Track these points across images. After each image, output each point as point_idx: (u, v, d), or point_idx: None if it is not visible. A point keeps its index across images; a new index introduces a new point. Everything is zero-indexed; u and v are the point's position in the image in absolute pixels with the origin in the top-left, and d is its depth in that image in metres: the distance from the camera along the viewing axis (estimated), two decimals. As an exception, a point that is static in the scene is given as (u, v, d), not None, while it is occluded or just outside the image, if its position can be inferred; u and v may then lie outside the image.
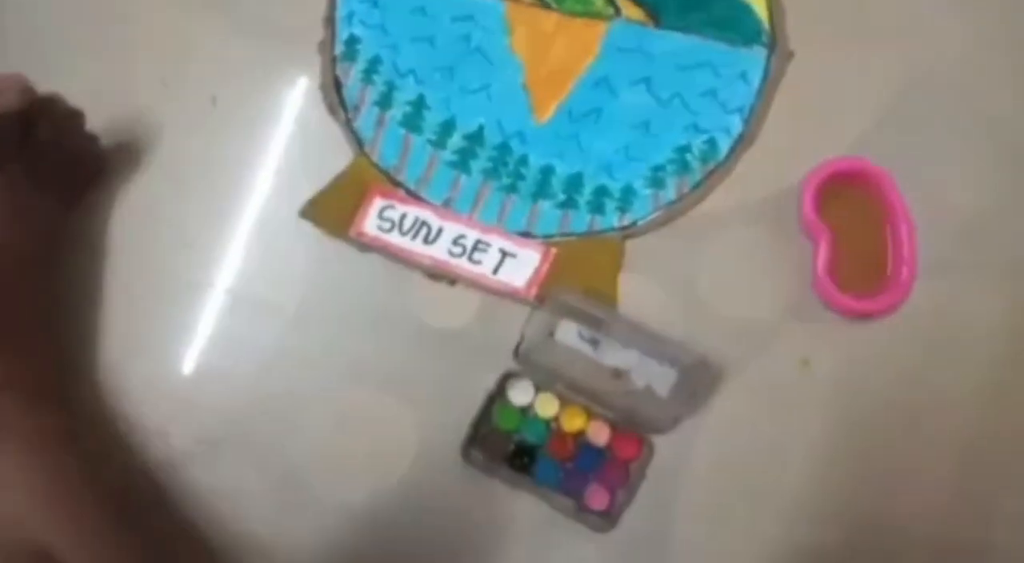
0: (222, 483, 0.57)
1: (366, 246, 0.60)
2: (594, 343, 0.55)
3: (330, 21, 0.63)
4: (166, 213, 0.63)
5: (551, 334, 0.55)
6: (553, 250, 0.59)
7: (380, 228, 0.60)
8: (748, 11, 0.61)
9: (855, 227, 0.58)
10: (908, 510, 0.55)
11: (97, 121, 0.62)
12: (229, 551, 0.56)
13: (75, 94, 0.60)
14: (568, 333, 0.55)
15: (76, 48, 0.66)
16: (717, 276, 0.59)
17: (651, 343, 0.54)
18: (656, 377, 0.54)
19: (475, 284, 0.59)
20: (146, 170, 0.64)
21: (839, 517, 0.55)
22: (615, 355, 0.54)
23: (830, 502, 0.55)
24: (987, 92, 0.60)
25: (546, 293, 0.57)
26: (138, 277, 0.62)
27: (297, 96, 0.63)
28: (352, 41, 0.63)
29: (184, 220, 0.62)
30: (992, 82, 0.60)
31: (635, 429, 0.55)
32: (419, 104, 0.62)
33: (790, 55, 0.61)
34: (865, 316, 0.57)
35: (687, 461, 0.56)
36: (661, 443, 0.56)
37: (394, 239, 0.60)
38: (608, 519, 0.53)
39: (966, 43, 0.61)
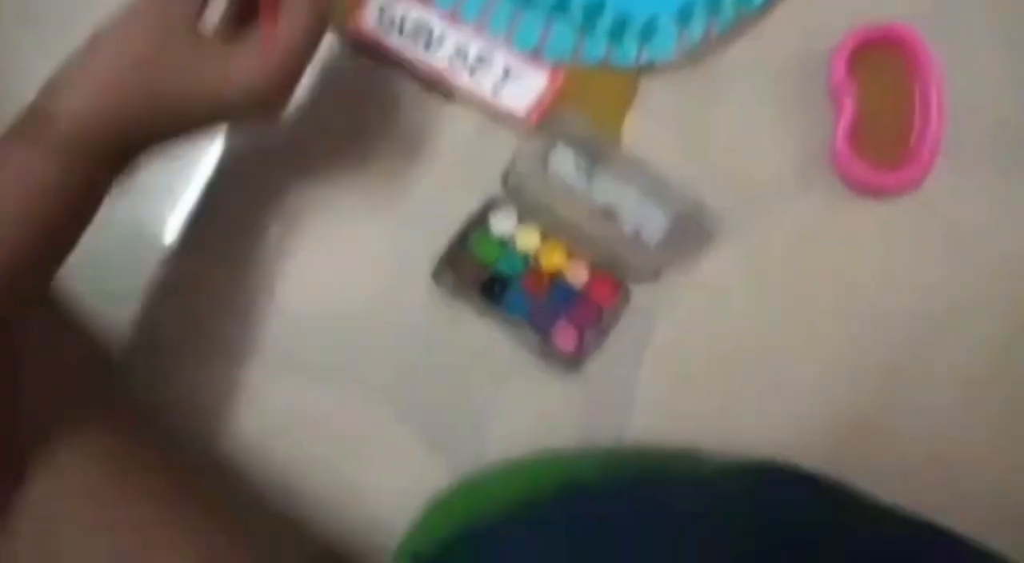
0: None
1: (360, 46, 0.56)
2: (589, 173, 0.52)
3: None
4: None
5: (545, 164, 0.52)
6: (561, 74, 0.56)
7: (378, 24, 0.56)
8: None
9: (884, 97, 0.56)
10: (885, 387, 0.54)
11: None
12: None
13: None
14: (563, 160, 0.52)
15: None
16: (730, 129, 0.57)
17: (647, 182, 0.51)
18: (647, 221, 0.52)
19: (473, 101, 0.56)
20: None
21: (812, 396, 0.54)
22: (609, 190, 0.52)
23: (804, 380, 0.55)
24: None
25: (547, 120, 0.54)
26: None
27: None
28: None
29: None
30: None
31: (615, 274, 0.54)
32: None
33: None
34: (877, 190, 0.55)
35: (663, 316, 0.54)
36: (639, 293, 0.54)
37: (392, 42, 0.56)
38: (573, 361, 0.52)
39: None
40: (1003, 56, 0.57)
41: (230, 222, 0.55)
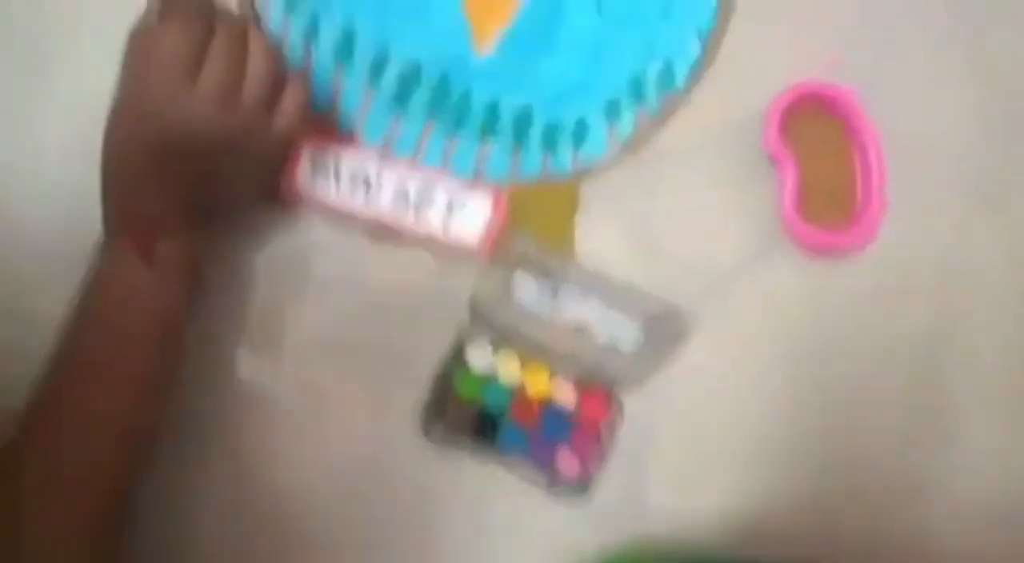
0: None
1: (301, 207, 0.56)
2: (553, 294, 0.53)
3: None
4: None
5: (508, 290, 0.53)
6: (505, 195, 0.56)
7: (315, 186, 0.56)
8: None
9: (822, 157, 0.58)
10: (879, 448, 0.56)
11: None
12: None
13: None
14: (525, 286, 0.53)
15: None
16: (679, 215, 0.58)
17: (612, 292, 0.53)
18: (620, 330, 0.53)
19: (423, 242, 0.56)
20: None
21: (813, 461, 0.56)
22: (575, 307, 0.53)
23: (803, 446, 0.56)
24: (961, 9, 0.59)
25: (500, 247, 0.55)
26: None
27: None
28: None
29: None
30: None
31: (602, 386, 0.55)
32: (348, 35, 0.58)
33: (748, -32, 0.57)
34: (834, 251, 0.57)
35: (659, 415, 0.55)
36: (630, 399, 0.55)
37: (331, 197, 0.56)
38: (580, 486, 0.53)
39: None
40: (943, 86, 0.59)
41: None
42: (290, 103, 0.50)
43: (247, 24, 0.49)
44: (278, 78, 0.49)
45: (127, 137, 0.49)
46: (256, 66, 0.48)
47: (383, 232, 0.56)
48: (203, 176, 0.50)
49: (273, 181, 0.54)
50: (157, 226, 0.49)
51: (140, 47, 0.47)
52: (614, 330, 0.54)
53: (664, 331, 0.53)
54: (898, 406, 0.56)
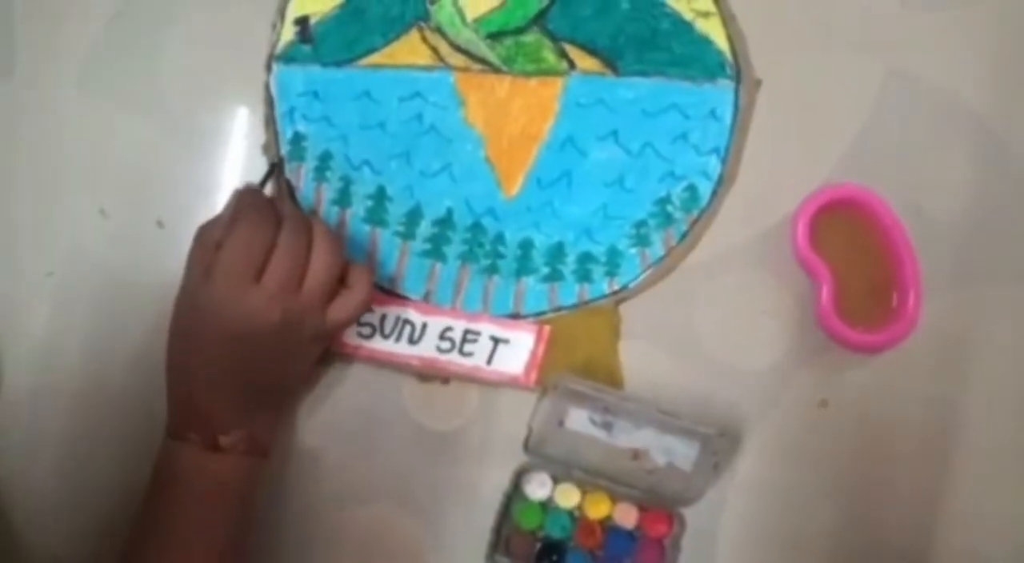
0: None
1: (349, 357, 0.63)
2: (607, 426, 0.58)
3: (271, 121, 0.66)
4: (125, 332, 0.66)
5: (560, 423, 0.58)
6: (546, 328, 0.63)
7: (360, 335, 0.63)
8: (707, 44, 0.65)
9: (853, 257, 0.63)
10: (942, 537, 0.58)
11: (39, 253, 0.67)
12: None
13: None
14: (578, 420, 0.58)
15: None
16: (720, 329, 0.64)
17: (664, 418, 0.57)
18: (676, 452, 0.57)
19: (470, 378, 0.63)
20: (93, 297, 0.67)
21: (879, 552, 0.58)
22: (630, 436, 0.58)
23: (867, 538, 0.60)
24: (963, 91, 0.65)
25: (547, 377, 0.60)
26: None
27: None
28: (297, 139, 0.66)
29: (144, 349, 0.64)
30: (967, 79, 0.65)
31: (662, 505, 0.58)
32: (380, 196, 0.65)
33: (758, 83, 0.65)
34: (874, 348, 0.60)
35: (720, 527, 0.59)
36: (692, 515, 0.59)
37: (377, 345, 0.63)
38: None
39: (937, 43, 0.65)
40: (954, 169, 0.64)
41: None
42: (352, 300, 0.58)
43: (311, 220, 0.57)
44: (340, 269, 0.57)
45: (191, 334, 0.57)
46: (318, 260, 0.56)
47: (430, 372, 0.62)
48: (263, 367, 0.57)
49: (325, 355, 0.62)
50: (220, 418, 0.57)
51: (208, 245, 0.55)
52: (670, 453, 0.58)
53: (719, 447, 0.57)
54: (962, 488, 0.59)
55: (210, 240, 0.56)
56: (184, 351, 0.57)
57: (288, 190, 0.65)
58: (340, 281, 0.58)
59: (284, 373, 0.59)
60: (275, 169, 0.63)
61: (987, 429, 0.61)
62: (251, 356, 0.56)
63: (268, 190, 0.62)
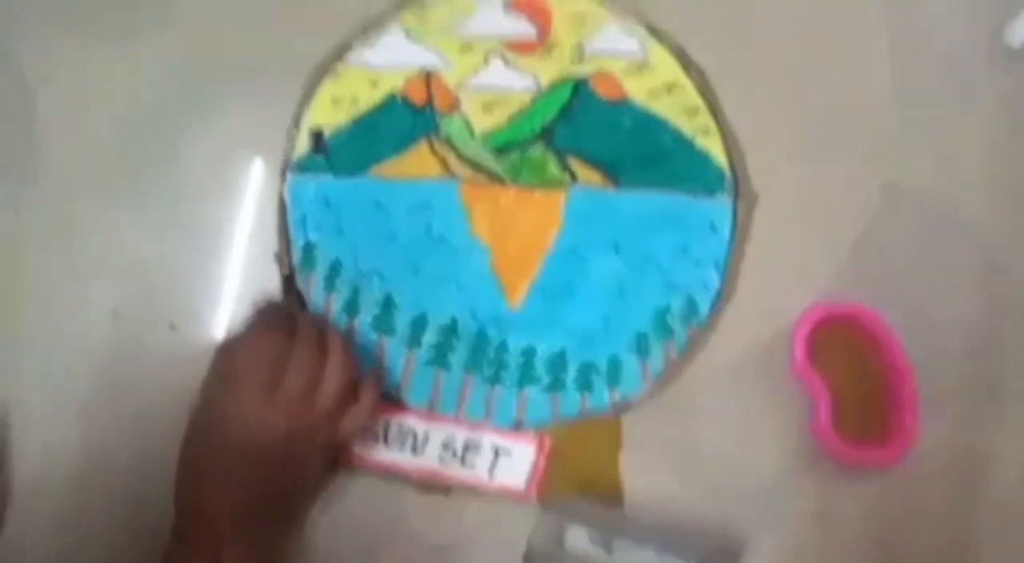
0: None
1: (353, 467, 0.65)
2: (607, 545, 0.59)
3: (283, 229, 0.69)
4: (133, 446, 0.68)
5: (560, 541, 0.59)
6: (547, 439, 0.65)
7: (363, 441, 0.64)
8: (706, 159, 0.68)
9: (851, 372, 0.65)
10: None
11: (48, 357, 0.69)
12: None
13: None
14: (578, 538, 0.60)
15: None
16: (720, 442, 0.66)
17: (666, 536, 0.58)
18: (675, 569, 0.59)
19: (472, 490, 0.65)
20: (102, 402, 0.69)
21: None
22: (631, 555, 0.59)
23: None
24: (963, 202, 0.68)
25: (548, 489, 0.63)
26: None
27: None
28: (309, 247, 0.69)
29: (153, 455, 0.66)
30: (967, 191, 0.68)
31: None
32: (388, 304, 0.68)
33: (755, 198, 0.68)
34: (876, 466, 0.62)
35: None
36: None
37: (380, 455, 0.66)
38: None
39: (935, 155, 0.68)
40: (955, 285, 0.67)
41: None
42: (361, 412, 0.61)
43: (326, 330, 0.61)
44: (352, 383, 0.60)
45: (205, 442, 0.59)
46: (332, 374, 0.59)
47: (432, 483, 0.65)
48: (273, 477, 0.59)
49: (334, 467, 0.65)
50: (227, 529, 0.58)
51: (227, 357, 0.59)
52: (670, 570, 0.59)
53: (720, 560, 0.58)
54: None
55: (231, 352, 0.59)
56: (196, 459, 0.59)
57: (298, 299, 0.68)
58: (352, 393, 0.61)
59: (294, 484, 0.61)
60: (289, 283, 0.68)
61: (991, 548, 0.62)
62: (262, 466, 0.58)
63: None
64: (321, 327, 0.62)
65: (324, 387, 0.59)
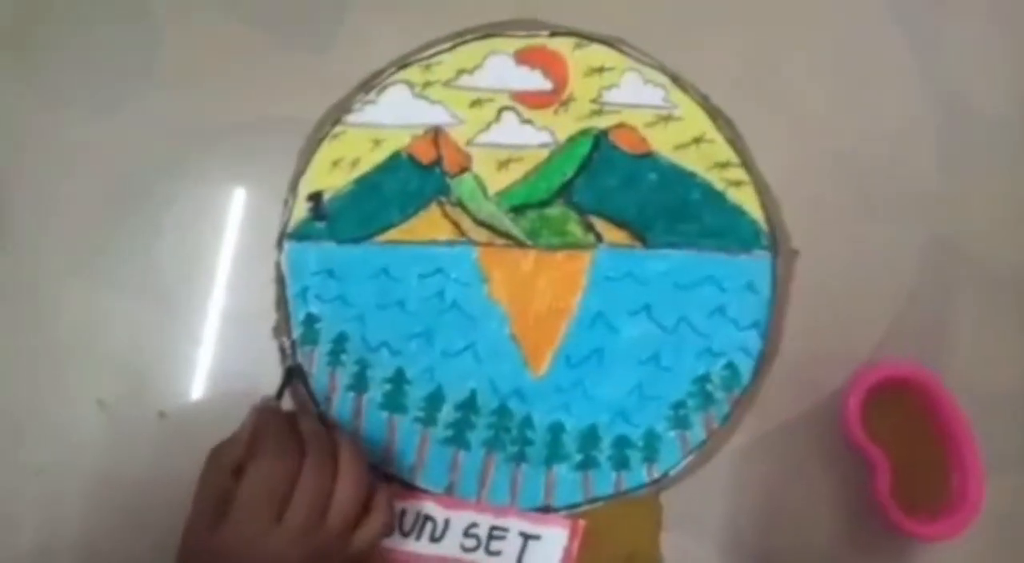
0: None
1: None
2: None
3: (282, 302, 0.67)
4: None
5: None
6: (581, 523, 0.63)
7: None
8: (740, 213, 0.67)
9: (906, 439, 0.63)
10: None
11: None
12: None
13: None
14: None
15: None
16: (767, 518, 0.63)
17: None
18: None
19: None
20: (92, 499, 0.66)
21: None
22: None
23: None
24: (1010, 258, 0.67)
25: None
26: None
27: (255, 399, 0.64)
28: (310, 320, 0.67)
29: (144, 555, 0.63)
30: (1014, 244, 0.67)
31: None
32: (399, 379, 0.66)
33: (795, 253, 0.67)
34: (939, 538, 0.60)
35: None
36: None
37: (396, 544, 0.63)
38: None
39: (979, 209, 0.67)
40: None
41: None
42: (376, 523, 0.56)
43: (336, 439, 0.57)
44: (364, 498, 0.56)
45: None
46: (344, 492, 0.55)
47: None
48: None
49: None
50: None
51: (224, 471, 0.55)
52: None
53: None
54: None
55: (227, 464, 0.55)
56: None
57: (300, 376, 0.65)
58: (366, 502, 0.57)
59: None
60: (292, 375, 0.64)
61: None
62: None
63: (285, 399, 0.63)
64: (328, 436, 0.58)
65: (336, 505, 0.55)
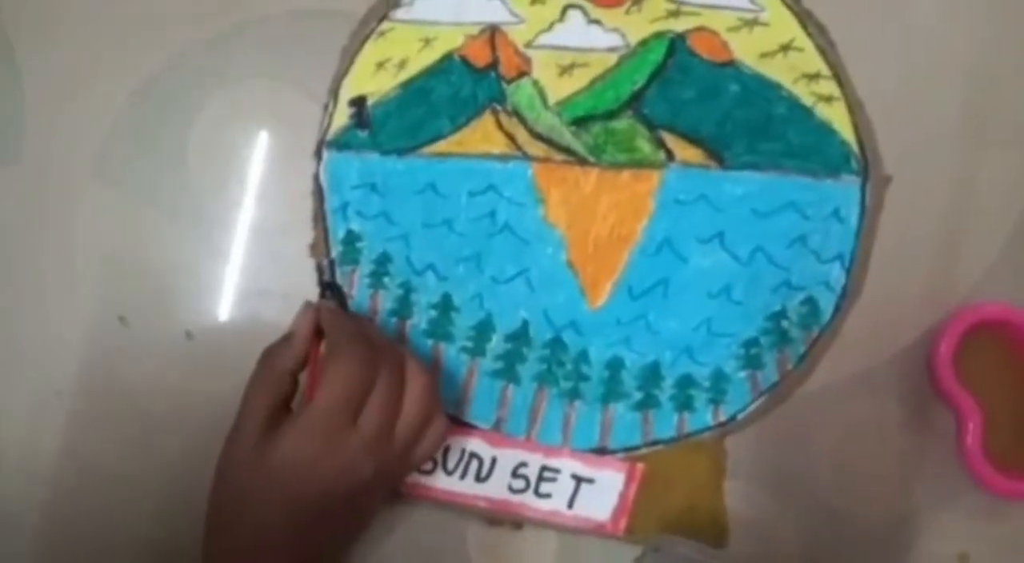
0: None
1: (406, 496, 0.64)
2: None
3: (320, 217, 0.68)
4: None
5: (657, 587, 0.57)
6: (639, 466, 0.64)
7: (420, 471, 0.64)
8: (830, 133, 0.67)
9: (1002, 388, 0.63)
10: None
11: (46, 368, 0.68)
12: None
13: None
14: (676, 581, 0.57)
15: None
16: (841, 469, 0.64)
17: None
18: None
19: (547, 523, 0.63)
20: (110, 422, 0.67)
21: None
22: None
23: None
24: None
25: (638, 524, 0.62)
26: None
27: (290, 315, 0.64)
28: (351, 238, 0.68)
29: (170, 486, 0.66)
30: None
31: None
32: (445, 306, 0.67)
33: (888, 180, 0.66)
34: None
35: None
36: None
37: (439, 482, 0.64)
38: None
39: None
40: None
41: None
42: (436, 436, 0.58)
43: (404, 353, 0.58)
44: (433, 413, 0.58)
45: (252, 489, 0.55)
46: (413, 405, 0.56)
47: (501, 515, 0.64)
48: (333, 524, 0.57)
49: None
50: None
51: (282, 376, 0.57)
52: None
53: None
54: None
55: (283, 370, 0.57)
56: (236, 511, 0.56)
57: (338, 298, 0.66)
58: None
59: (356, 526, 0.60)
60: (329, 292, 0.65)
61: None
62: (330, 510, 0.56)
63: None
64: (399, 349, 0.59)
65: (405, 418, 0.56)
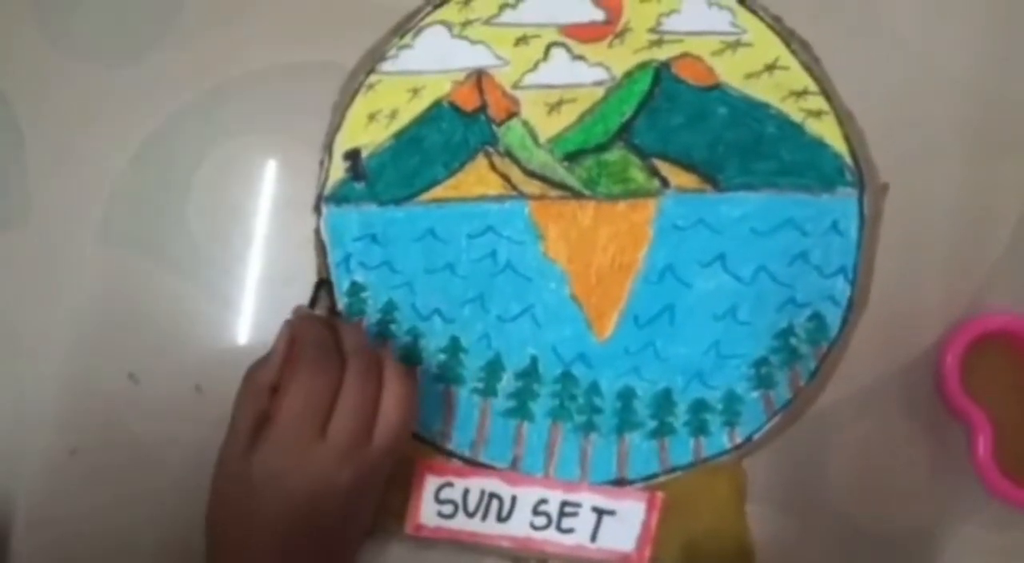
0: None
1: (429, 540, 0.69)
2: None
3: (324, 271, 0.74)
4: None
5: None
6: (659, 495, 0.68)
7: (441, 514, 0.69)
8: (822, 147, 0.72)
9: (1011, 397, 0.66)
10: None
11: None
12: None
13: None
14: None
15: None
16: (858, 485, 0.68)
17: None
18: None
19: (573, 558, 0.68)
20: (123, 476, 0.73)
21: None
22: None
23: None
24: None
25: (662, 554, 0.67)
26: None
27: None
28: (356, 289, 0.74)
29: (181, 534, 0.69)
30: None
31: None
32: (454, 348, 0.72)
33: (885, 188, 0.71)
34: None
35: None
36: None
37: (461, 524, 0.69)
38: None
39: None
40: None
41: None
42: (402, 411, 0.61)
43: (378, 351, 0.62)
44: (415, 409, 0.63)
45: (239, 504, 0.61)
46: (391, 404, 0.60)
47: (525, 554, 0.69)
48: (325, 532, 0.61)
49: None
50: None
51: (259, 392, 0.60)
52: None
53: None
54: None
55: (262, 384, 0.61)
56: (228, 525, 0.61)
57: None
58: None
59: (350, 532, 0.64)
60: (322, 286, 0.71)
61: None
62: (312, 523, 0.60)
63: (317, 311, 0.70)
64: (372, 346, 0.63)
65: (383, 418, 0.60)
